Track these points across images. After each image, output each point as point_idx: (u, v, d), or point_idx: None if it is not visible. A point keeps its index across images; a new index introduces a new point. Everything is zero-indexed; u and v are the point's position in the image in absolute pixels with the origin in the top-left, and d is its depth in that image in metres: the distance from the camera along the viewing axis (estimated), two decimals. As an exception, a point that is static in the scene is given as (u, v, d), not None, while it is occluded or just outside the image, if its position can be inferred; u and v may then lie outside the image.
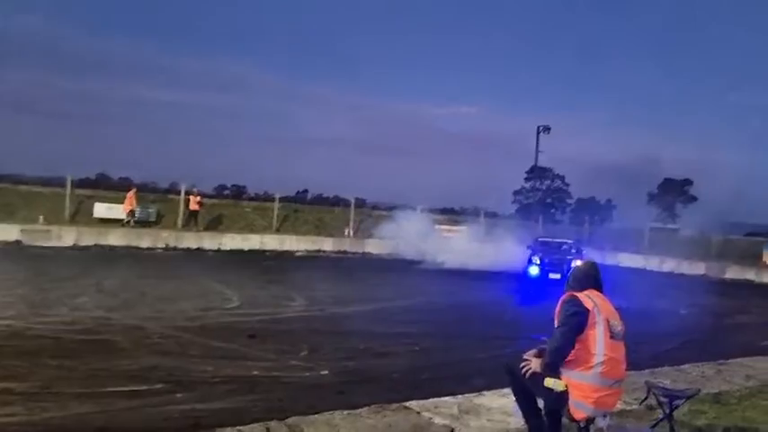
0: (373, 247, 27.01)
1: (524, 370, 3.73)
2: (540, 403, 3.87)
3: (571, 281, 3.90)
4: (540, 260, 16.97)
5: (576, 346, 3.57)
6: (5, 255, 15.80)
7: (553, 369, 3.64)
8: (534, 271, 16.82)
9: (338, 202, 36.65)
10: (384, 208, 33.20)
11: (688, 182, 57.29)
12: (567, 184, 61.09)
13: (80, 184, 27.24)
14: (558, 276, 15.74)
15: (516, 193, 60.20)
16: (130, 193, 25.09)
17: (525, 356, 3.78)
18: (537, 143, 44.23)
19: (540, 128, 43.85)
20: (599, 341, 3.53)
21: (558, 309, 3.71)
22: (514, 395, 3.93)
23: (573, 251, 18.34)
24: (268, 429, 3.80)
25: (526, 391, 3.86)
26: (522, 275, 17.07)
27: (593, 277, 3.86)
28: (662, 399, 4.02)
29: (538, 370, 3.70)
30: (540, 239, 19.97)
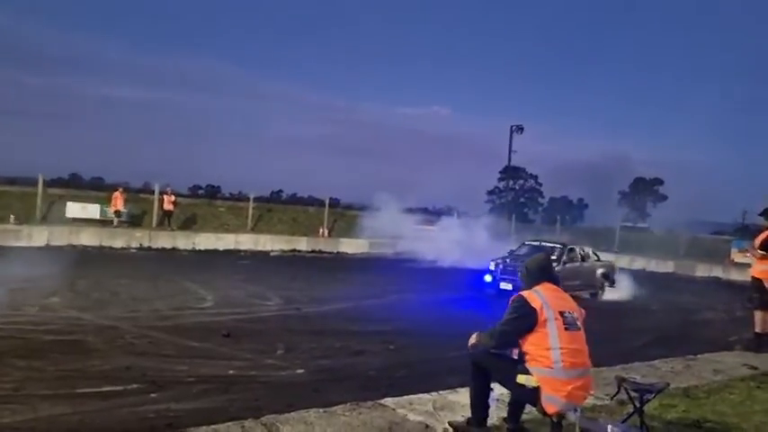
0: (347, 246, 27.03)
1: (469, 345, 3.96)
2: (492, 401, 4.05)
3: (524, 274, 4.03)
4: (496, 266, 15.46)
5: (533, 343, 3.69)
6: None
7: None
8: (488, 278, 15.40)
9: (313, 201, 36.57)
10: (358, 208, 33.23)
11: (658, 181, 58.65)
12: (540, 184, 62.02)
13: (52, 183, 26.69)
14: (509, 287, 14.16)
15: (490, 192, 60.86)
16: (117, 193, 24.70)
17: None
18: (510, 143, 44.71)
19: (513, 127, 44.32)
20: (552, 336, 3.64)
21: (508, 305, 3.84)
22: (472, 387, 4.02)
23: (564, 258, 15.72)
24: (243, 428, 3.79)
25: (486, 386, 3.97)
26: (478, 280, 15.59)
27: (545, 270, 4.00)
28: (633, 393, 4.12)
29: (472, 341, 3.95)
30: (527, 243, 17.62)
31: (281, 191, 59.60)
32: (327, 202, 30.20)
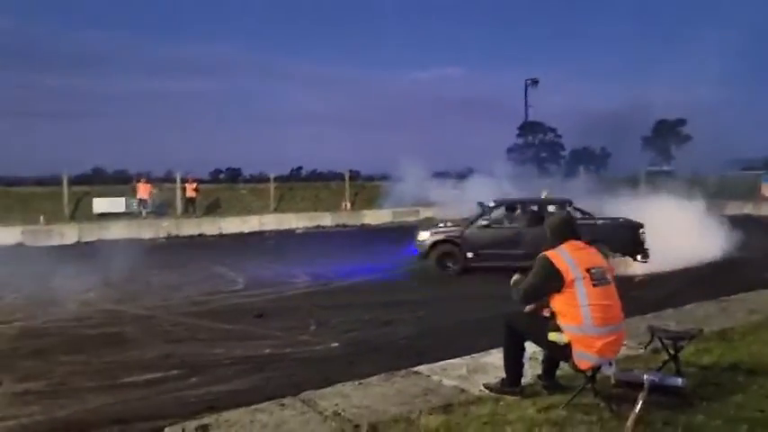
0: (371, 218, 27.08)
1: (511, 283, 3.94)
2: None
3: (548, 233, 3.96)
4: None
5: (562, 302, 3.67)
6: (9, 257, 15.84)
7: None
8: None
9: (333, 176, 36.59)
10: (378, 178, 33.18)
11: (681, 122, 57.09)
12: (560, 137, 60.95)
13: (76, 180, 27.19)
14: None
15: (510, 150, 60.06)
16: (140, 183, 25.03)
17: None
18: (525, 98, 44.01)
19: (528, 81, 43.52)
20: (581, 294, 3.61)
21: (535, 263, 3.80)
22: (505, 347, 4.03)
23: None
24: (283, 406, 3.88)
25: (519, 346, 3.97)
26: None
27: (569, 228, 3.92)
28: (666, 341, 4.10)
29: (515, 278, 3.93)
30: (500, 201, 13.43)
31: (300, 168, 59.72)
32: (347, 175, 30.20)
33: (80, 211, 23.76)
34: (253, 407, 3.86)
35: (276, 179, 29.64)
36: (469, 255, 11.91)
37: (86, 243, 20.11)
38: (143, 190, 24.72)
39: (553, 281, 3.67)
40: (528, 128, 52.89)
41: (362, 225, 26.33)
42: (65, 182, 23.70)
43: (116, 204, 24.50)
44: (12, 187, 26.15)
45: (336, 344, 6.80)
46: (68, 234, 20.75)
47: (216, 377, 5.68)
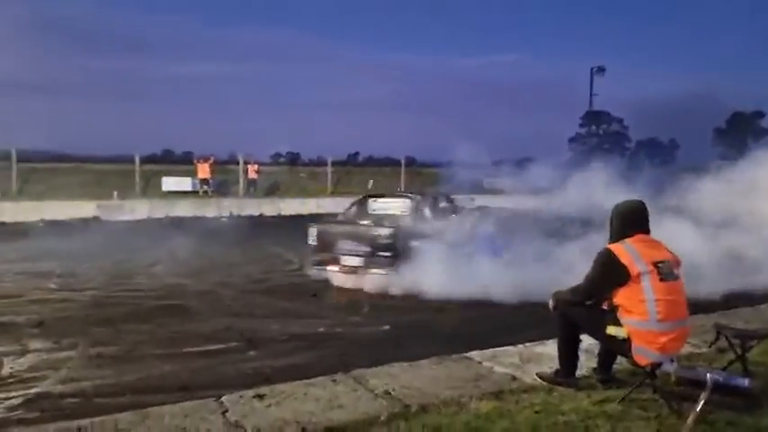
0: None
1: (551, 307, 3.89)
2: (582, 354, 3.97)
3: (614, 224, 3.79)
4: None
5: (625, 296, 3.55)
6: (86, 229, 16.82)
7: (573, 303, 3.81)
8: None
9: (389, 162, 36.64)
10: (434, 165, 33.00)
11: (759, 114, 53.83)
12: (626, 127, 58.62)
13: (147, 160, 28.44)
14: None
15: (571, 140, 58.30)
16: (200, 164, 25.94)
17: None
18: (591, 86, 42.52)
19: (594, 69, 42.02)
20: (646, 288, 3.47)
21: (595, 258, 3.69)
22: (560, 338, 3.97)
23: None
24: (334, 381, 3.98)
25: (574, 337, 3.90)
26: None
27: (637, 220, 3.71)
28: (733, 340, 3.94)
29: (551, 304, 3.88)
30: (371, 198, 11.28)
31: (357, 153, 60.05)
32: (403, 161, 30.23)
33: (150, 189, 24.88)
34: (306, 381, 3.99)
35: (333, 164, 30.02)
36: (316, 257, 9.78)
37: (155, 219, 21.04)
38: (202, 170, 25.57)
39: (617, 276, 3.54)
40: (592, 117, 51.17)
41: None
42: (137, 161, 24.85)
43: (182, 183, 25.53)
44: (89, 165, 27.61)
45: (387, 326, 6.87)
46: (139, 210, 21.80)
47: (272, 351, 5.87)
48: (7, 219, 19.49)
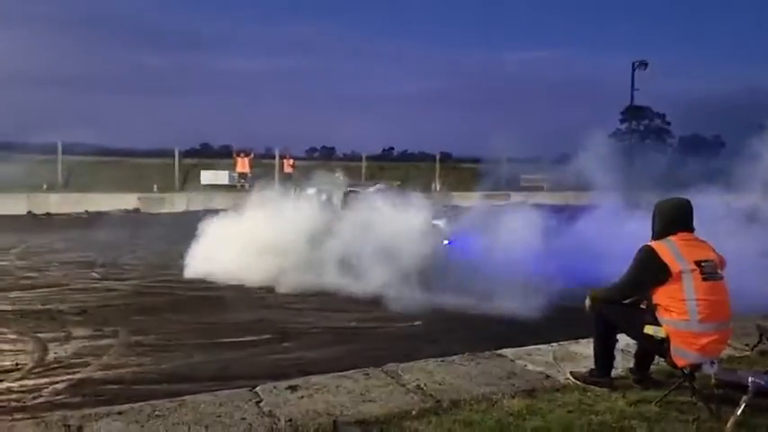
0: (460, 199, 26.80)
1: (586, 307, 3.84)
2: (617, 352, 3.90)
3: (656, 222, 3.69)
4: None
5: (665, 295, 3.46)
6: (127, 221, 17.31)
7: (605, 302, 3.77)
8: None
9: (424, 157, 36.57)
10: (471, 160, 32.77)
11: (811, 111, 51.69)
12: (668, 123, 57.02)
13: (186, 154, 29.12)
14: None
15: (611, 136, 56.96)
16: (239, 158, 26.36)
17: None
18: (632, 81, 41.38)
19: (636, 64, 40.88)
20: (688, 288, 3.36)
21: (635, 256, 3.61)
22: (595, 337, 3.90)
23: None
24: (367, 375, 4.01)
25: (610, 336, 3.83)
26: None
27: (680, 218, 3.60)
28: (776, 343, 3.82)
29: (587, 304, 3.83)
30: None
31: (392, 148, 60.06)
32: (438, 156, 30.12)
33: (189, 182, 25.43)
34: (339, 373, 4.02)
35: (368, 158, 30.14)
36: None
37: (193, 211, 21.48)
38: (241, 164, 25.98)
39: (657, 274, 3.45)
40: (632, 112, 49.91)
41: (453, 206, 26.16)
42: (176, 155, 25.45)
43: (220, 177, 26.03)
44: (129, 159, 28.40)
45: (420, 322, 6.87)
46: (178, 203, 22.33)
47: (305, 344, 5.94)
48: (53, 210, 20.20)
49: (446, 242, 9.75)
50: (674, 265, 3.41)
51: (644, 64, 40.93)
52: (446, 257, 9.09)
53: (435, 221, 10.03)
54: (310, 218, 9.74)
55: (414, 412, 3.40)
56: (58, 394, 4.54)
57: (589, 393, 3.73)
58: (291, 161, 27.37)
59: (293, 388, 3.74)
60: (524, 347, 4.71)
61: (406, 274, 8.07)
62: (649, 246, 3.56)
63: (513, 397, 3.65)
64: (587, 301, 3.85)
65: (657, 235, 3.63)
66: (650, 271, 3.50)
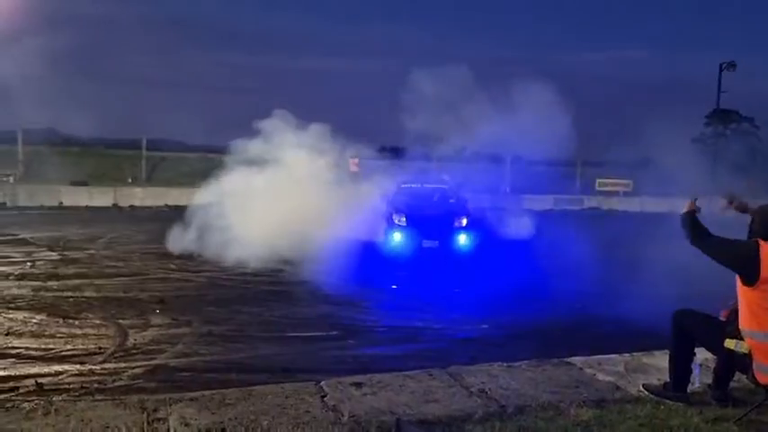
0: (531, 203, 26.31)
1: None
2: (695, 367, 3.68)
3: (756, 225, 3.44)
4: (408, 220, 10.73)
5: (753, 301, 3.22)
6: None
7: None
8: (397, 238, 10.61)
9: (495, 158, 35.99)
10: (545, 164, 31.98)
11: None
12: (757, 127, 53.37)
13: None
14: (435, 244, 10.43)
15: (695, 140, 53.97)
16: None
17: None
18: (719, 83, 39.08)
19: (723, 65, 38.58)
20: None
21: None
22: (672, 349, 3.70)
23: (453, 203, 11.92)
24: (431, 375, 4.00)
25: (688, 349, 3.62)
26: (382, 245, 10.81)
27: None
28: None
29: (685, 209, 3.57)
30: (405, 186, 12.85)
31: (464, 148, 59.40)
32: (509, 159, 29.58)
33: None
34: (403, 373, 4.04)
35: (439, 159, 29.99)
36: None
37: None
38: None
39: (744, 263, 3.23)
40: (718, 116, 47.11)
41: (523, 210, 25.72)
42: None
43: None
44: (210, 154, 29.62)
45: (486, 325, 6.79)
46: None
47: (370, 341, 6.02)
48: (137, 203, 21.40)
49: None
50: (765, 268, 3.18)
51: (732, 65, 38.59)
52: None
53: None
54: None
55: (477, 416, 3.36)
56: (135, 378, 4.80)
57: (663, 407, 3.56)
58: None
59: (358, 385, 3.78)
60: (594, 356, 4.55)
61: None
62: (756, 239, 3.31)
63: (581, 406, 3.53)
64: (686, 207, 3.60)
65: (761, 236, 3.36)
66: (740, 256, 3.26)
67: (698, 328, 3.60)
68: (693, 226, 3.51)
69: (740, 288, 3.31)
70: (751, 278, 3.21)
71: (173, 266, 10.02)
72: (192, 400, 3.49)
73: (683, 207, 3.60)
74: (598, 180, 26.37)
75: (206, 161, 27.26)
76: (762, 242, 3.28)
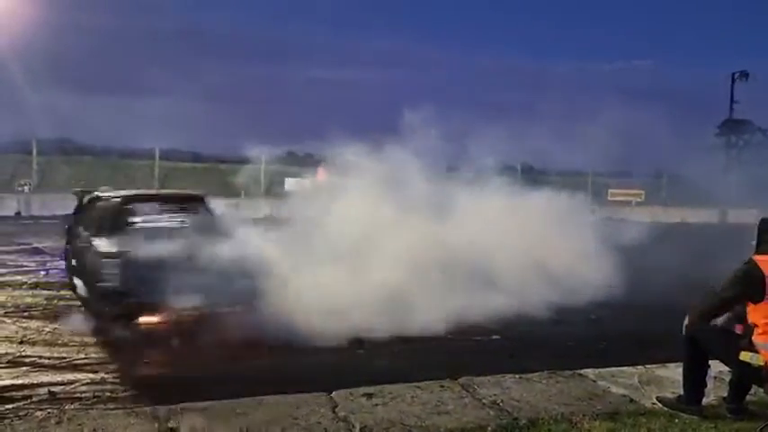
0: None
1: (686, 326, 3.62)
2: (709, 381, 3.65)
3: (763, 237, 3.44)
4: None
5: (765, 315, 3.21)
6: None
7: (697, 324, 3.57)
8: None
9: (505, 169, 35.96)
10: (554, 174, 31.91)
11: None
12: (771, 136, 52.93)
13: (271, 161, 30.22)
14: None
15: (705, 150, 53.58)
16: (320, 168, 27.10)
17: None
18: (731, 93, 38.88)
19: (736, 75, 38.40)
20: None
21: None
22: (686, 362, 3.67)
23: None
24: (442, 386, 3.99)
25: (702, 362, 3.59)
26: None
27: None
28: None
29: (687, 321, 3.60)
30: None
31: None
32: (519, 168, 29.56)
33: (273, 188, 26.49)
34: (414, 384, 4.02)
35: (448, 169, 30.02)
36: None
37: (276, 217, 22.26)
38: (321, 174, 26.61)
39: (753, 288, 3.24)
40: (730, 126, 46.76)
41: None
42: (262, 162, 26.52)
43: (301, 185, 26.85)
44: (221, 164, 29.86)
45: (498, 336, 6.74)
46: (262, 208, 23.24)
47: (380, 352, 5.99)
48: (148, 213, 21.56)
49: None
50: None
51: (745, 74, 38.41)
52: None
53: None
54: None
55: (489, 428, 3.34)
56: (148, 387, 4.81)
57: (677, 420, 3.53)
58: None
59: (368, 395, 3.78)
60: (607, 368, 4.52)
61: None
62: (754, 259, 3.33)
63: (594, 419, 3.51)
64: (686, 321, 3.63)
65: (762, 250, 3.38)
66: (747, 284, 3.31)
67: (713, 341, 3.56)
68: (702, 316, 3.60)
69: (750, 306, 3.30)
70: (760, 297, 3.23)
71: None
72: (203, 409, 3.50)
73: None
74: (609, 190, 26.23)
75: (216, 172, 27.56)
76: (757, 258, 3.30)
